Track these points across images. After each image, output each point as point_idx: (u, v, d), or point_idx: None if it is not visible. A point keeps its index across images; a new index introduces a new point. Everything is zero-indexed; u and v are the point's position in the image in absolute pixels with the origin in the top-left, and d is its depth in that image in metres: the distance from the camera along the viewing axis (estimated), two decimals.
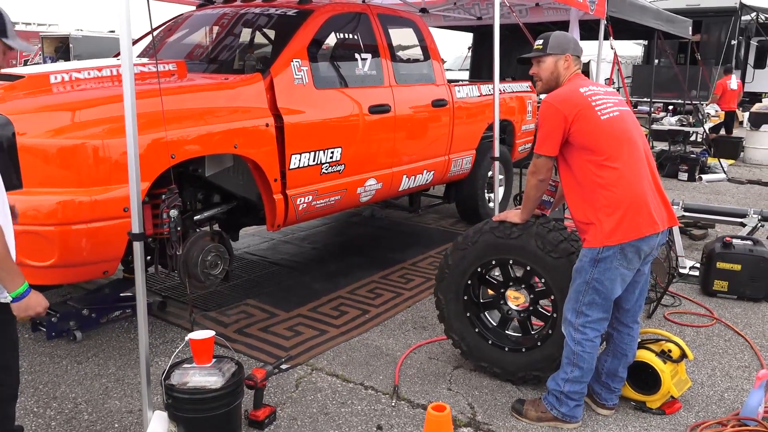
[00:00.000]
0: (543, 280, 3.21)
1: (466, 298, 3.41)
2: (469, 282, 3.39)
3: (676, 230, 5.04)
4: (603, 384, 3.08)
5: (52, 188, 3.12)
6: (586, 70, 13.98)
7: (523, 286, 3.35)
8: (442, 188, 6.66)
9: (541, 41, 3.01)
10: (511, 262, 3.27)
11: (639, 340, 3.19)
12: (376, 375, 3.45)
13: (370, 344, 3.81)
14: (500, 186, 6.79)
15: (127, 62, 2.52)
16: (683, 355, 3.17)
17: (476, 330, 3.42)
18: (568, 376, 2.91)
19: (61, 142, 3.13)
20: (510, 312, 3.42)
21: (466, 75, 13.73)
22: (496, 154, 5.10)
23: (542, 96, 3.11)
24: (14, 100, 3.34)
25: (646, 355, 3.17)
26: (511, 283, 3.38)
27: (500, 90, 6.38)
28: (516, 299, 3.42)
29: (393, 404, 3.15)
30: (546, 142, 2.82)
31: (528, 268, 3.20)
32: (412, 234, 6.37)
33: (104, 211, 3.15)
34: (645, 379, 3.16)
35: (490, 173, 6.57)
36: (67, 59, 29.27)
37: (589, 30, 7.80)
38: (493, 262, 3.30)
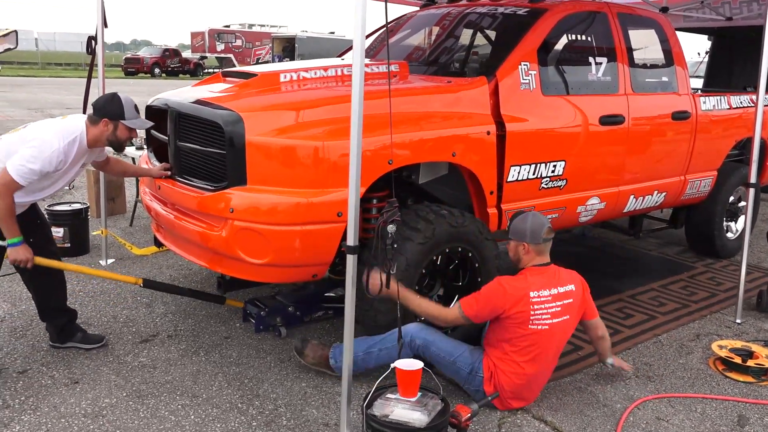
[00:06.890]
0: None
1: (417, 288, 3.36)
2: (424, 271, 3.38)
3: None
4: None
5: (272, 187, 3.13)
6: None
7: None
8: (668, 210, 5.85)
9: (510, 223, 3.28)
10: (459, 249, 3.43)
11: None
12: (593, 429, 2.99)
13: (584, 389, 3.34)
14: (742, 214, 5.79)
15: (358, 67, 2.35)
16: None
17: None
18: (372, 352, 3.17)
19: (283, 141, 3.12)
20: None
21: (697, 82, 12.25)
22: (753, 179, 4.30)
23: None
24: (247, 97, 3.42)
25: None
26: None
27: (756, 102, 5.43)
28: None
29: None
30: (475, 303, 3.01)
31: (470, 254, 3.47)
32: (630, 260, 5.67)
33: (319, 214, 3.08)
34: None
35: (731, 198, 5.64)
36: (292, 58, 31.95)
37: None
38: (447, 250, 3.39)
